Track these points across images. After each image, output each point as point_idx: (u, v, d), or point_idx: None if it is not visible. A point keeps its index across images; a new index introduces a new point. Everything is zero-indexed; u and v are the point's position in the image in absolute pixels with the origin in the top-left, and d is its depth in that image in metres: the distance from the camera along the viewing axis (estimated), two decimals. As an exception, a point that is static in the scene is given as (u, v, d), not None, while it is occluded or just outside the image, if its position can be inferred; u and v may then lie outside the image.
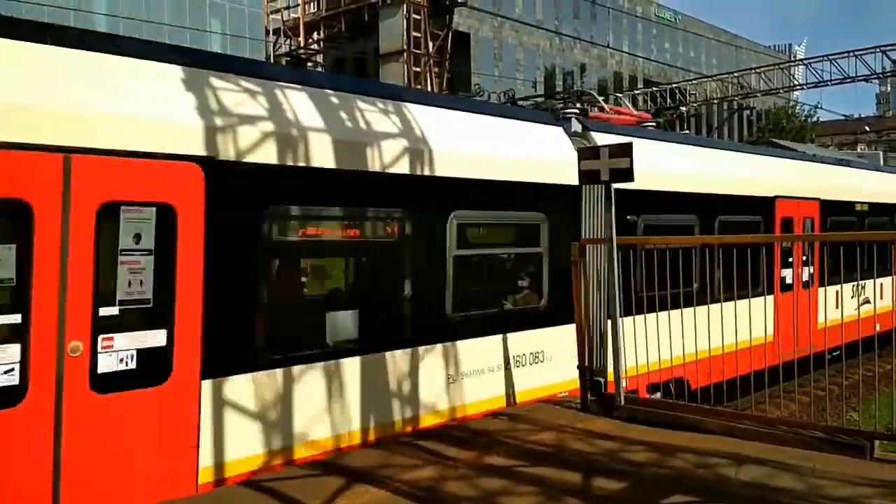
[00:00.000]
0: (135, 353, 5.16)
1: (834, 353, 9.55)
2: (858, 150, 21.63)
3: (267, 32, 32.50)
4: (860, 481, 5.09)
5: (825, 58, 31.86)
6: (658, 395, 7.65)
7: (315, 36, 30.65)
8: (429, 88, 24.03)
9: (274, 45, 30.89)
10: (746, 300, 7.11)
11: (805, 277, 12.14)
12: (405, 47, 24.04)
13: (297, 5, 30.48)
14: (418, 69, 24.08)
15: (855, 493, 4.89)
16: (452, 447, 6.09)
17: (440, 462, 5.73)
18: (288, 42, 30.38)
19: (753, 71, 36.75)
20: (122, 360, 5.10)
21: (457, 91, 27.42)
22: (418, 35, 24.30)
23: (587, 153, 7.15)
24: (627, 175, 6.75)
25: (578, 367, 7.42)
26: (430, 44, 24.58)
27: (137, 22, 31.78)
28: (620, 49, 55.90)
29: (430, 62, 24.31)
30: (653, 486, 5.18)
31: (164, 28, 32.46)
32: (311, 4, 31.40)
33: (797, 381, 7.05)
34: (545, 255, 8.18)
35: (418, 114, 7.32)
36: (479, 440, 6.33)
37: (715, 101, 42.54)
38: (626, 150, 6.77)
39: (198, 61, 5.96)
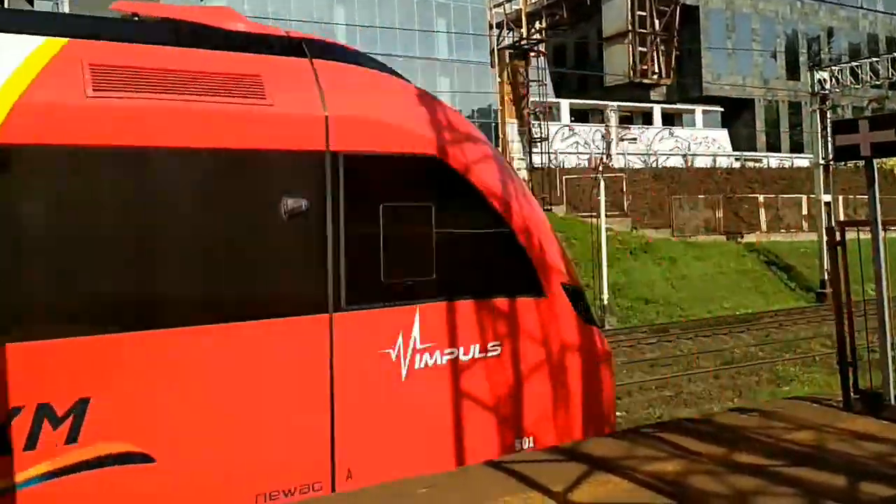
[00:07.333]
0: None
1: None
2: None
3: (490, 26, 33.23)
4: None
5: None
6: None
7: (537, 25, 30.87)
8: (655, 69, 23.20)
9: (497, 38, 31.54)
10: None
11: None
12: (630, 27, 23.42)
13: (519, -3, 30.90)
14: (644, 49, 23.36)
15: None
16: (696, 441, 5.87)
17: (685, 456, 5.56)
18: (511, 34, 30.88)
19: None
20: None
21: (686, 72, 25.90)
22: (643, 14, 23.56)
23: (843, 126, 6.51)
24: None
25: (839, 363, 6.80)
26: (657, 21, 23.72)
27: (373, 28, 34.24)
28: (874, 8, 49.74)
29: (657, 40, 23.48)
30: (935, 496, 4.63)
31: (396, 32, 34.58)
32: (532, -5, 31.66)
33: None
34: None
35: None
36: (725, 436, 6.04)
37: None
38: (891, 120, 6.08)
39: None
